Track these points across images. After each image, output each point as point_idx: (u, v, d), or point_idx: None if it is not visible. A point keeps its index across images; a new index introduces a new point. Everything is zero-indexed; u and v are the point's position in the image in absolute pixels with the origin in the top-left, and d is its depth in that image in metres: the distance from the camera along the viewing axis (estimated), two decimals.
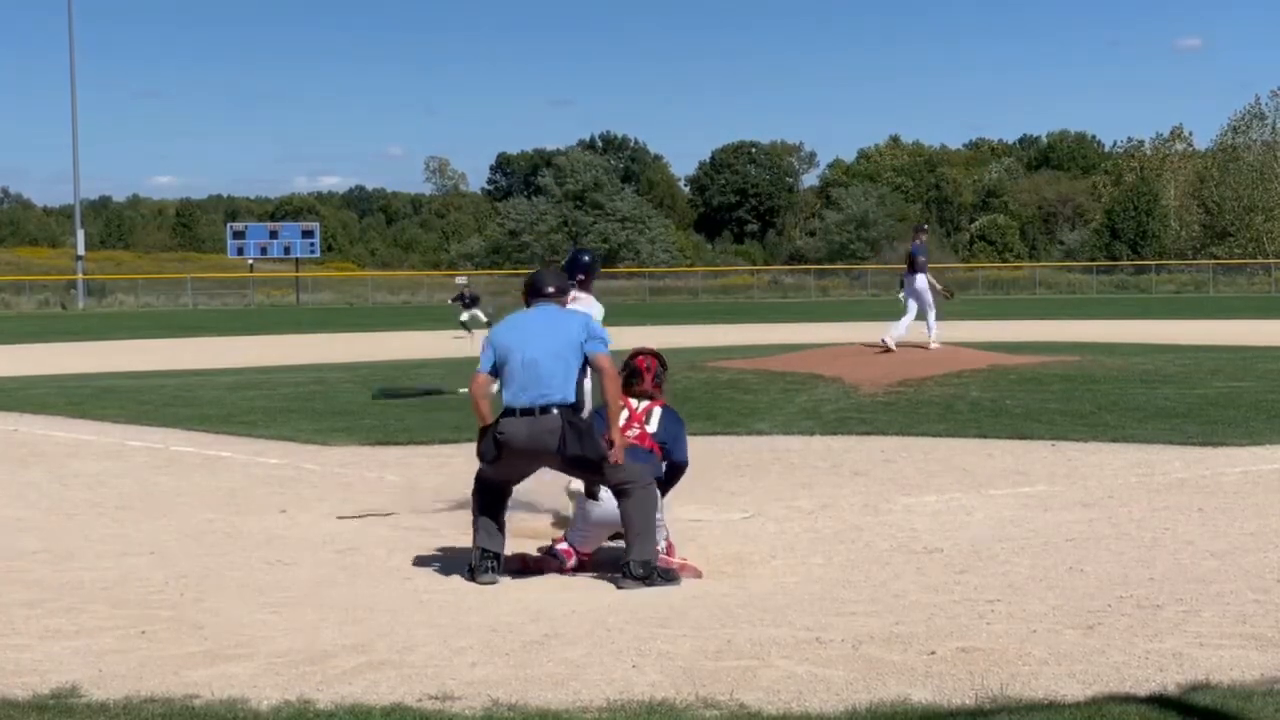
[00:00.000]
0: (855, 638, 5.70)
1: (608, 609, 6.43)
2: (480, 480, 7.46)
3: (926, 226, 23.71)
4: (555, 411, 7.19)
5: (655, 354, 7.84)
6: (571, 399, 7.27)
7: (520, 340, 7.32)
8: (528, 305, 7.59)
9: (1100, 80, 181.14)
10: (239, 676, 5.26)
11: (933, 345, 20.39)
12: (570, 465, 7.31)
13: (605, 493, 7.36)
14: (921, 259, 20.73)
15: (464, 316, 31.31)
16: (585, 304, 8.70)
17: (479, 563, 7.26)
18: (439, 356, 25.04)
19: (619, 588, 7.05)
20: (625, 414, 7.48)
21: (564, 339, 7.30)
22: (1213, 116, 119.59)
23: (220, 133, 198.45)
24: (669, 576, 7.11)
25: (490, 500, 7.41)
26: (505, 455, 7.25)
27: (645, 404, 7.61)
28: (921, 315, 20.49)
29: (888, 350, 19.96)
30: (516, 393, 7.22)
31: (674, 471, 7.72)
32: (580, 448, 7.16)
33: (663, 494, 7.62)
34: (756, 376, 18.38)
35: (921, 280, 20.56)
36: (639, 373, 7.71)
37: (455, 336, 30.30)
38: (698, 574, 7.28)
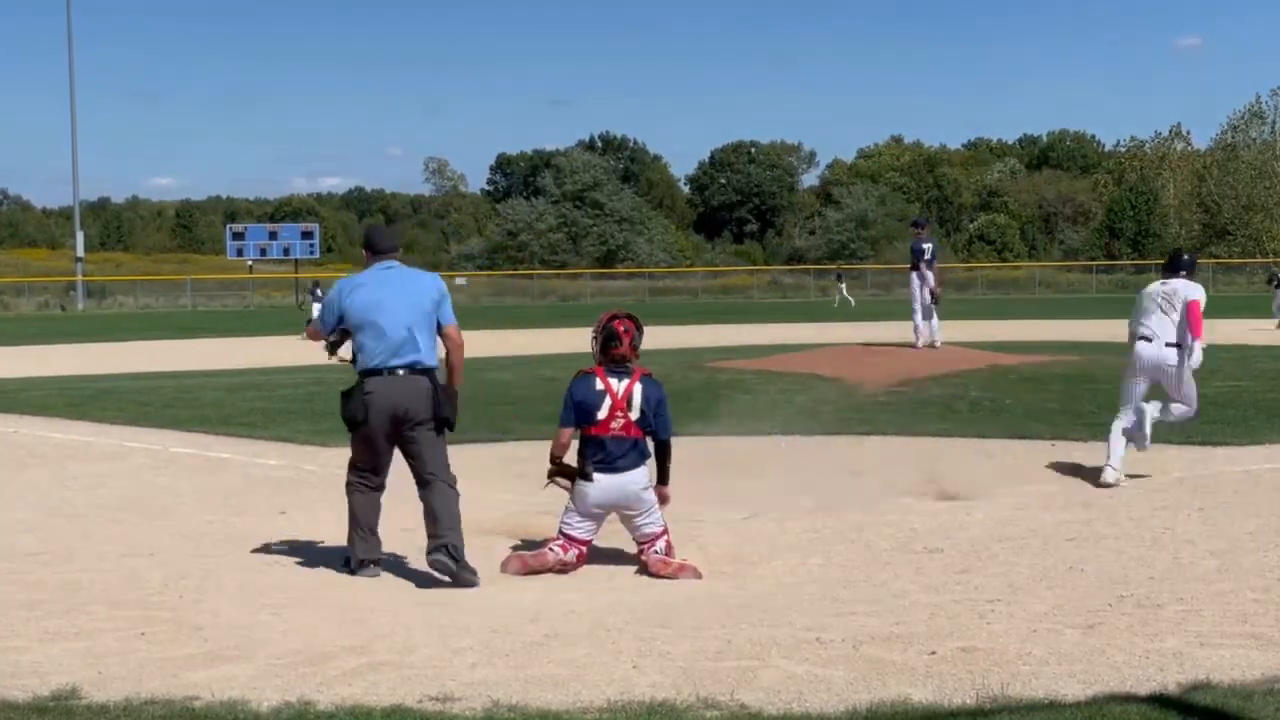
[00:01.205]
0: (855, 638, 5.70)
1: (607, 609, 6.43)
2: (354, 482, 7.50)
3: (924, 221, 23.42)
4: (423, 375, 7.28)
5: (631, 316, 7.64)
6: (435, 363, 7.36)
7: (377, 303, 7.29)
8: (369, 261, 7.52)
9: (1100, 79, 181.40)
10: (239, 678, 5.26)
11: (919, 345, 20.40)
12: (431, 429, 7.33)
13: (599, 476, 7.35)
14: (916, 256, 20.67)
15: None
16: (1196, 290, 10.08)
17: (358, 569, 7.37)
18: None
19: (436, 568, 7.16)
20: (608, 403, 7.42)
21: (424, 302, 7.34)
22: (1213, 116, 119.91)
23: (219, 134, 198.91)
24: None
25: (367, 501, 7.47)
26: (372, 417, 7.25)
27: (625, 384, 7.46)
28: (925, 313, 20.46)
29: (932, 346, 20.09)
30: (380, 353, 7.24)
31: (662, 451, 7.61)
32: (449, 410, 7.34)
33: (662, 480, 7.60)
34: (756, 376, 18.38)
35: (914, 278, 20.52)
36: (617, 336, 7.52)
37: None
38: (697, 574, 7.28)
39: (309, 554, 7.96)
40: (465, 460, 11.79)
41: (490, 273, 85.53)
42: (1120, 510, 8.74)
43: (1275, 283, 33.56)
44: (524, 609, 6.45)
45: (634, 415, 7.43)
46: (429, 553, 7.23)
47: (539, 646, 5.68)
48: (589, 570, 7.47)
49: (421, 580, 7.28)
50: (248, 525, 8.81)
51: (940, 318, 20.77)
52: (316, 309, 30.76)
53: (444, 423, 7.37)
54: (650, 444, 7.56)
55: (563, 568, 7.43)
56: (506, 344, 29.75)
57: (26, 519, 9.15)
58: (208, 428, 14.04)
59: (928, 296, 20.39)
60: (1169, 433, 12.27)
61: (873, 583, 6.96)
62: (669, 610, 6.37)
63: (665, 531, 7.53)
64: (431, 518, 7.30)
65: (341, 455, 11.96)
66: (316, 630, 6.06)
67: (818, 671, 5.24)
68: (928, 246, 20.62)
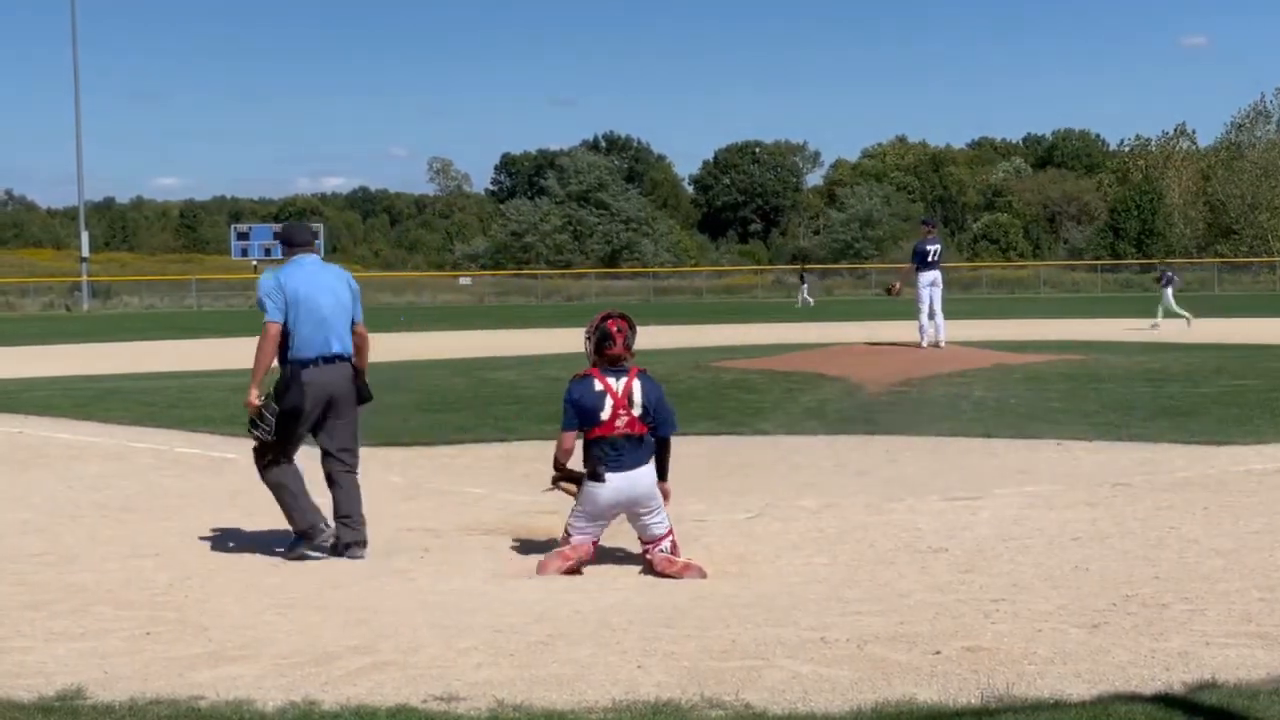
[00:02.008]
0: (860, 637, 5.70)
1: (612, 609, 6.42)
2: (273, 459, 7.85)
3: (933, 221, 23.42)
4: (347, 362, 7.90)
5: (624, 315, 7.64)
6: (352, 351, 7.95)
7: (312, 295, 7.75)
8: (287, 255, 7.99)
9: (1105, 78, 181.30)
10: (244, 678, 5.26)
11: (923, 344, 20.41)
12: (349, 414, 7.92)
13: (610, 475, 7.34)
14: (920, 257, 20.68)
15: None
16: None
17: (314, 535, 7.73)
18: (444, 357, 25.05)
19: (352, 557, 7.71)
20: (610, 402, 7.41)
21: (344, 294, 7.93)
22: (1218, 114, 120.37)
23: (223, 134, 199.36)
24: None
25: (291, 471, 7.88)
26: (308, 405, 7.71)
27: (624, 382, 7.45)
28: (930, 313, 20.45)
29: (936, 346, 20.11)
30: (316, 343, 7.73)
31: (663, 447, 7.59)
32: (369, 392, 8.00)
33: (661, 476, 7.59)
34: (760, 376, 18.38)
35: (921, 278, 20.51)
36: (610, 336, 7.50)
37: None
38: (702, 574, 7.27)
39: (313, 554, 7.96)
40: (469, 459, 11.84)
41: (494, 272, 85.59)
42: (1125, 509, 8.73)
43: (1164, 281, 32.61)
44: (529, 609, 6.45)
45: (637, 411, 7.42)
46: (346, 544, 7.80)
47: (544, 646, 5.68)
48: (593, 570, 7.47)
49: (425, 580, 7.28)
50: (252, 525, 8.81)
51: (945, 317, 20.77)
52: None
53: (364, 401, 8.04)
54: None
55: (582, 560, 7.43)
56: (511, 344, 29.78)
57: (31, 519, 9.16)
58: (212, 428, 14.05)
59: (937, 297, 20.39)
60: (1172, 432, 12.28)
61: (877, 582, 6.95)
62: (674, 610, 6.37)
63: (671, 532, 7.53)
64: (346, 509, 7.85)
65: None
66: (321, 630, 6.06)
67: (822, 671, 5.24)
68: (933, 248, 20.63)
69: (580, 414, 7.42)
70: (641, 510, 7.43)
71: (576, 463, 7.59)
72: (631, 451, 7.39)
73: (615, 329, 7.53)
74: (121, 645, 5.81)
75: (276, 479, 7.88)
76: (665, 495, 7.62)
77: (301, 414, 7.75)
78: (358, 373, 7.97)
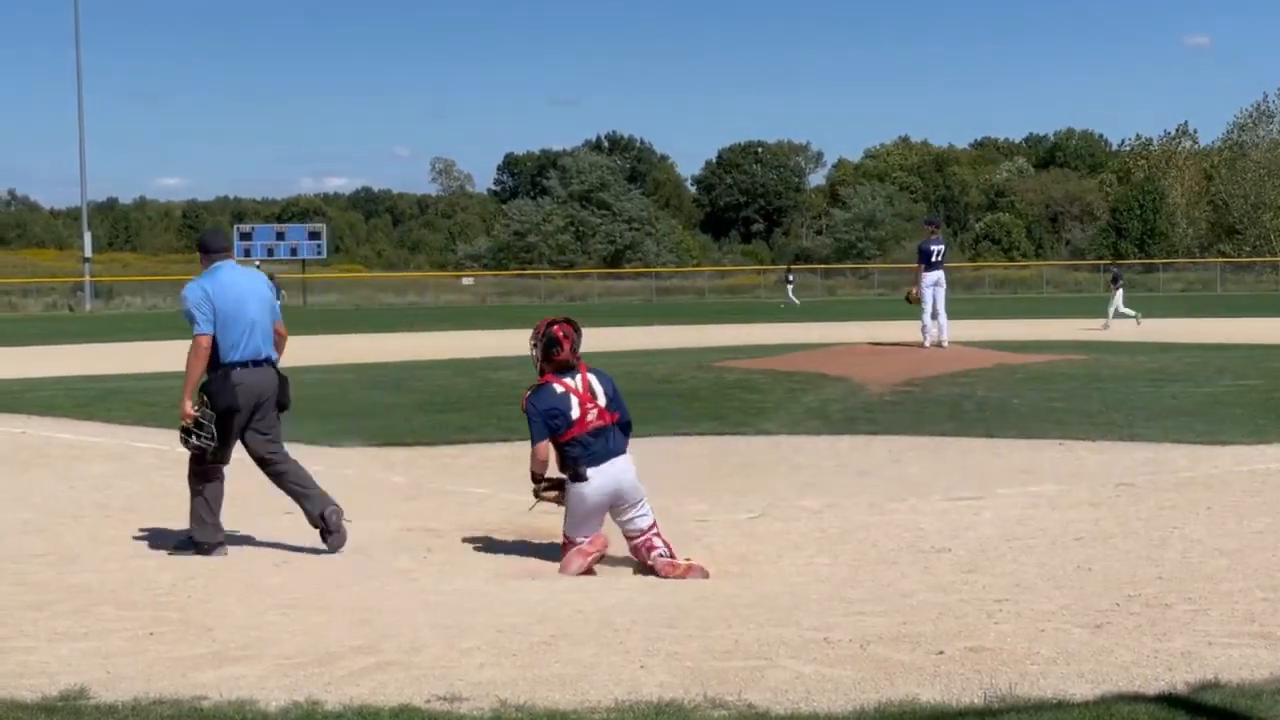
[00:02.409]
0: (863, 637, 5.70)
1: (614, 609, 6.42)
2: (203, 464, 8.03)
3: (937, 221, 23.40)
4: (272, 366, 8.08)
5: (569, 320, 7.66)
6: (277, 355, 8.19)
7: (240, 300, 7.92)
8: (205, 262, 8.10)
9: (1107, 78, 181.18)
10: (247, 678, 5.26)
11: (926, 344, 20.41)
12: (273, 416, 8.11)
13: (593, 471, 7.34)
14: (925, 256, 20.67)
15: None
16: None
17: (213, 550, 7.94)
18: (446, 357, 25.05)
19: (335, 547, 7.87)
20: (576, 400, 7.41)
21: (268, 300, 8.15)
22: (1221, 114, 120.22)
23: (225, 135, 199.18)
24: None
25: (220, 487, 8.10)
26: (241, 405, 7.90)
27: (580, 379, 7.49)
28: (933, 313, 20.44)
29: (939, 345, 20.11)
30: (245, 348, 7.91)
31: (627, 433, 7.65)
32: (288, 396, 8.18)
33: None
34: (763, 376, 18.37)
35: (926, 278, 20.51)
36: (558, 342, 7.52)
37: None
38: (704, 574, 7.27)
39: (316, 554, 7.97)
40: (472, 459, 11.84)
41: (497, 272, 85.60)
42: (1128, 510, 8.73)
43: (1118, 283, 33.00)
44: (531, 609, 6.45)
45: (602, 401, 7.47)
46: (322, 516, 7.96)
47: (546, 646, 5.68)
48: (595, 569, 7.47)
49: (428, 580, 7.28)
50: (255, 526, 8.81)
51: (948, 317, 20.77)
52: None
53: (285, 407, 8.22)
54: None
55: (599, 556, 7.44)
56: (513, 344, 29.73)
57: (33, 520, 9.16)
58: None
59: (941, 297, 20.38)
60: (1175, 432, 12.27)
61: (880, 582, 6.95)
62: (676, 610, 6.37)
63: (655, 525, 7.50)
64: (309, 491, 8.07)
65: (347, 455, 12.02)
66: (324, 630, 6.06)
67: (825, 671, 5.24)
68: (937, 248, 20.62)
69: (549, 421, 7.41)
70: (626, 503, 7.41)
71: (553, 471, 7.59)
72: (606, 441, 7.40)
73: (561, 334, 7.54)
74: (124, 645, 5.81)
75: (204, 488, 8.05)
76: None
77: (237, 413, 7.92)
78: (283, 379, 8.14)
